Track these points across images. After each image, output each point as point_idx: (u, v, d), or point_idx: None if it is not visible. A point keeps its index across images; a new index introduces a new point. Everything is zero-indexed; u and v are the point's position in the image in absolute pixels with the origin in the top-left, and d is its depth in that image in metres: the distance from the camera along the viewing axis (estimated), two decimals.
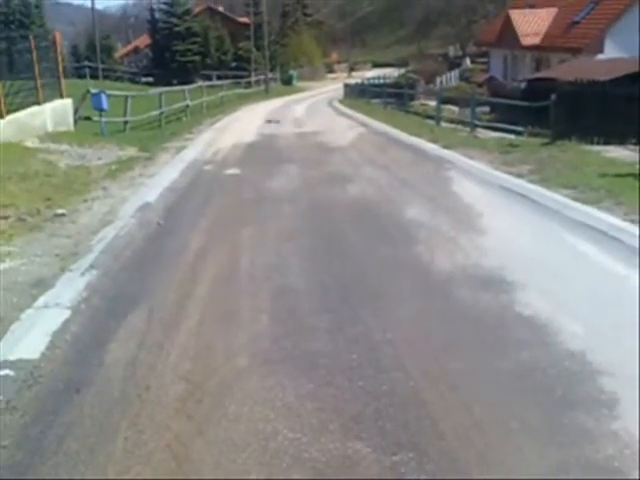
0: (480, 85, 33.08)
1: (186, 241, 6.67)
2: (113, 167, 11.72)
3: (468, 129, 17.65)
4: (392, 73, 54.29)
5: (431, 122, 21.38)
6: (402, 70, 54.95)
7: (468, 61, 51.69)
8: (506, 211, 7.64)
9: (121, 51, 68.60)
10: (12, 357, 3.99)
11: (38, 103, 14.82)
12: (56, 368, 3.92)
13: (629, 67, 18.84)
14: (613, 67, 19.71)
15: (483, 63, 44.77)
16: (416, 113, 25.26)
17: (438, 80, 44.95)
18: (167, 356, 4.01)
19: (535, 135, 14.96)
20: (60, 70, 16.69)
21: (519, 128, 15.80)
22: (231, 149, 14.77)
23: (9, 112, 12.87)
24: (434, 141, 14.33)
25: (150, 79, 51.69)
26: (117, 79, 49.59)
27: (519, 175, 9.72)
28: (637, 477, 2.75)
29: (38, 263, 5.82)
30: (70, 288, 5.15)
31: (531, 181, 9.21)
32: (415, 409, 3.33)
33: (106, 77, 48.28)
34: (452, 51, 63.15)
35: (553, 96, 13.08)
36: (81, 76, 47.06)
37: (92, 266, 5.67)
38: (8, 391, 3.62)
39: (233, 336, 4.27)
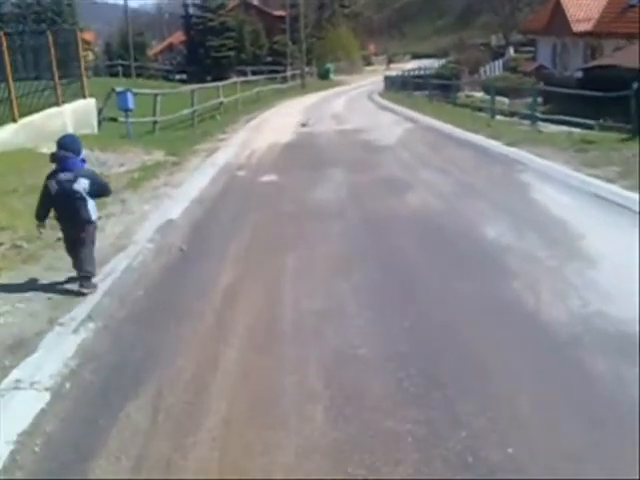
0: (528, 75, 31.18)
1: (213, 275, 5.31)
2: (136, 175, 10.45)
3: (527, 122, 16.01)
4: (432, 64, 52.30)
5: (483, 115, 19.76)
6: (442, 61, 53.01)
7: (512, 50, 49.58)
8: (613, 229, 6.09)
9: (155, 48, 68.00)
10: None
11: (57, 104, 13.72)
12: None
13: None
14: None
15: (528, 52, 42.75)
16: (465, 105, 23.58)
17: (482, 70, 43.05)
18: None
19: (606, 129, 13.26)
20: (82, 68, 15.58)
21: (587, 121, 14.09)
22: (267, 151, 13.41)
23: (23, 115, 11.73)
24: (495, 137, 12.75)
25: (184, 76, 50.83)
26: (150, 77, 48.81)
27: (608, 179, 8.12)
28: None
29: (23, 312, 4.52)
30: (56, 354, 3.83)
31: (626, 187, 7.62)
32: None
33: (139, 75, 47.60)
34: (494, 40, 60.92)
35: (635, 84, 11.36)
36: (113, 74, 46.46)
37: (90, 316, 4.34)
38: None
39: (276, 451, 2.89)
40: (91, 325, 4.20)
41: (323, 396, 3.25)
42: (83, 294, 4.78)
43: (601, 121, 13.44)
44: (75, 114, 14.50)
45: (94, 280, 4.95)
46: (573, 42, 32.19)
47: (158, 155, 13.01)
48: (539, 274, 4.85)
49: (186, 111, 20.53)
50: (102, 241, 6.34)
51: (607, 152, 10.12)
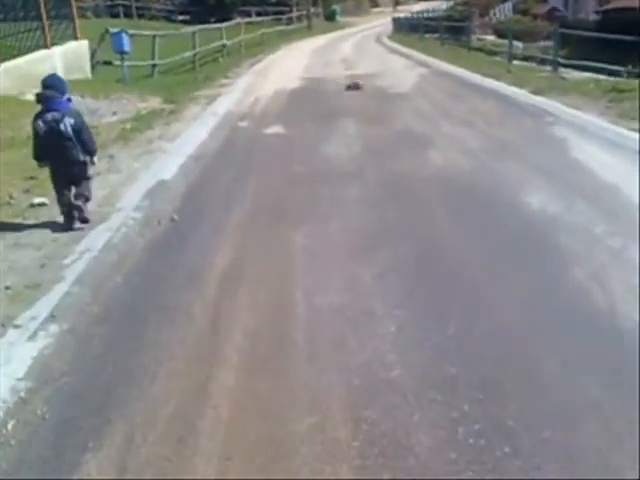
0: (540, 17, 29.62)
1: (208, 257, 4.47)
2: (128, 125, 9.51)
3: (548, 68, 14.85)
4: (440, 6, 50.14)
5: (499, 59, 18.54)
6: (450, 3, 50.86)
7: None
8: None
9: None
10: None
11: (45, 46, 12.66)
12: None
13: None
14: None
15: None
16: (479, 49, 22.23)
17: (492, 13, 41.21)
18: None
19: (636, 76, 12.14)
20: (73, 7, 14.41)
21: (614, 67, 12.92)
22: (272, 98, 12.39)
23: (7, 58, 10.72)
24: (517, 84, 11.71)
25: (187, 17, 48.85)
26: (152, 18, 46.85)
27: None
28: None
29: None
30: (2, 373, 3.02)
31: None
32: None
33: (141, 16, 45.72)
34: None
35: None
36: (114, 15, 44.71)
37: (53, 315, 3.53)
38: None
39: None
40: (53, 328, 3.38)
41: (350, 452, 2.42)
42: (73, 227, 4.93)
43: (630, 67, 12.30)
44: (65, 57, 13.44)
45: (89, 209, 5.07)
46: None
47: (154, 102, 12.02)
48: (603, 258, 4.01)
49: (187, 54, 19.32)
50: None
51: None
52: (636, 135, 7.14)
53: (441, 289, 3.73)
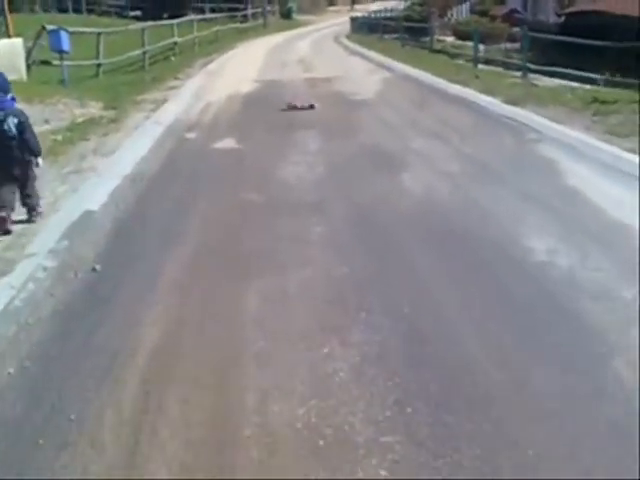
0: (498, 19, 29.17)
1: (130, 333, 3.43)
2: (59, 137, 8.37)
3: (516, 73, 14.13)
4: (397, 6, 49.57)
5: (462, 63, 17.82)
6: (407, 2, 50.41)
7: None
8: None
9: None
10: None
11: None
12: None
13: None
14: None
15: None
16: (440, 51, 21.48)
17: (449, 13, 40.83)
18: None
19: (612, 84, 11.50)
20: (4, 2, 13.10)
21: (590, 75, 12.27)
22: (225, 103, 11.35)
23: None
24: (489, 92, 10.94)
25: (138, 13, 47.13)
26: (103, 13, 45.03)
27: None
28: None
29: None
30: None
31: None
32: None
33: (91, 11, 44.02)
34: None
35: None
36: (63, 10, 42.87)
37: None
38: None
39: None
40: None
41: None
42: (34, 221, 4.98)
43: (608, 75, 11.66)
44: None
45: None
46: None
47: (94, 108, 10.88)
48: None
49: (136, 52, 18.05)
50: None
51: (631, 116, 8.40)
52: (637, 158, 6.38)
53: (443, 391, 2.79)
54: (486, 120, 8.89)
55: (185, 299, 3.81)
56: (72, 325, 3.55)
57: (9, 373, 3.11)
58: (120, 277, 4.15)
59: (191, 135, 8.70)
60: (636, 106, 9.02)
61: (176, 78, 15.16)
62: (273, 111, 10.21)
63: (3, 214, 4.80)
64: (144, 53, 18.27)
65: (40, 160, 5.17)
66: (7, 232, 4.79)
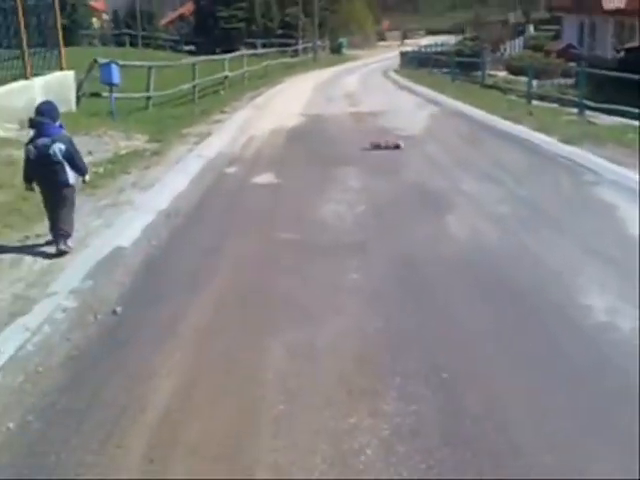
0: (554, 54, 28.66)
1: (150, 377, 3.17)
2: (101, 169, 8.30)
3: (572, 110, 13.65)
4: (448, 41, 49.63)
5: (515, 98, 17.40)
6: (459, 37, 50.30)
7: (532, 28, 46.95)
8: None
9: (167, 18, 65.27)
10: None
11: (24, 77, 11.54)
12: None
13: None
14: None
15: (547, 30, 40.31)
16: (492, 86, 21.10)
17: (502, 48, 40.50)
18: None
19: None
20: (59, 34, 13.34)
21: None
22: (269, 137, 11.21)
23: None
24: (544, 130, 10.50)
25: (192, 47, 48.30)
26: (158, 47, 46.42)
27: None
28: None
29: None
30: None
31: None
32: None
33: (146, 45, 45.49)
34: (513, 17, 58.13)
35: None
36: (120, 44, 44.33)
37: None
38: None
39: None
40: None
41: None
42: (64, 252, 4.95)
43: None
44: (47, 88, 12.24)
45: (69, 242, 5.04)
46: (603, 20, 29.44)
47: (139, 140, 10.86)
48: None
49: (186, 86, 18.23)
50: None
51: None
52: None
53: (485, 478, 2.40)
54: (540, 159, 8.47)
55: (205, 349, 3.52)
56: (84, 374, 3.30)
57: (8, 428, 2.85)
58: (141, 321, 3.89)
59: (231, 169, 8.52)
60: None
61: (222, 111, 15.17)
62: (316, 146, 9.99)
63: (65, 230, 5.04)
64: (194, 87, 18.42)
65: (87, 177, 5.52)
66: (63, 253, 4.95)
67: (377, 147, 9.49)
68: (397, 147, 9.40)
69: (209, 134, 11.41)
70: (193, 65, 19.11)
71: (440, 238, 5.34)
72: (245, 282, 4.53)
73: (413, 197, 6.73)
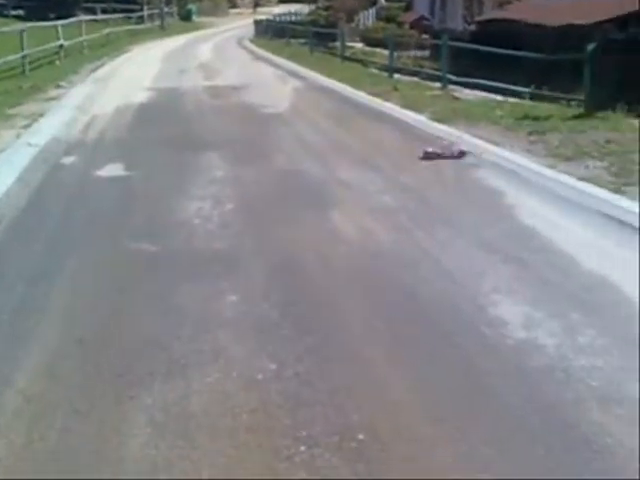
0: (406, 25, 28.86)
1: None
2: None
3: (435, 84, 13.34)
4: (302, 10, 48.96)
5: (376, 72, 16.99)
6: (312, 7, 49.78)
7: None
8: None
9: None
10: None
11: None
12: None
13: (622, 6, 15.10)
14: (596, 7, 15.89)
15: (399, 1, 40.80)
16: (351, 58, 20.59)
17: (356, 19, 40.48)
18: None
19: (537, 98, 10.87)
20: None
21: (513, 87, 11.60)
22: (114, 117, 9.94)
23: None
24: (412, 107, 10.05)
25: (20, 12, 43.84)
26: None
27: (615, 188, 5.55)
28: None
29: None
30: None
31: None
32: None
33: None
34: None
35: (591, 46, 8.98)
36: None
37: None
38: None
39: None
40: None
41: None
42: None
43: (533, 88, 11.03)
44: None
45: None
46: None
47: None
48: None
49: (12, 57, 16.07)
50: None
51: (570, 135, 7.73)
52: (587, 186, 5.61)
53: None
54: (414, 140, 7.94)
55: (36, 428, 2.54)
56: None
57: None
58: None
59: (70, 159, 7.26)
60: (567, 123, 8.41)
61: (58, 86, 13.44)
62: (169, 128, 8.90)
63: None
64: (24, 57, 16.30)
65: None
66: None
67: (436, 157, 6.79)
68: (462, 155, 6.85)
69: (41, 114, 9.89)
70: (22, 33, 16.92)
71: (326, 241, 4.60)
72: (86, 324, 3.51)
73: (289, 189, 5.94)
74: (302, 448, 2.38)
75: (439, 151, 6.93)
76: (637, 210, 4.92)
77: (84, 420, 2.63)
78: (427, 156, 6.83)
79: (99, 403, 2.74)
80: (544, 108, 9.47)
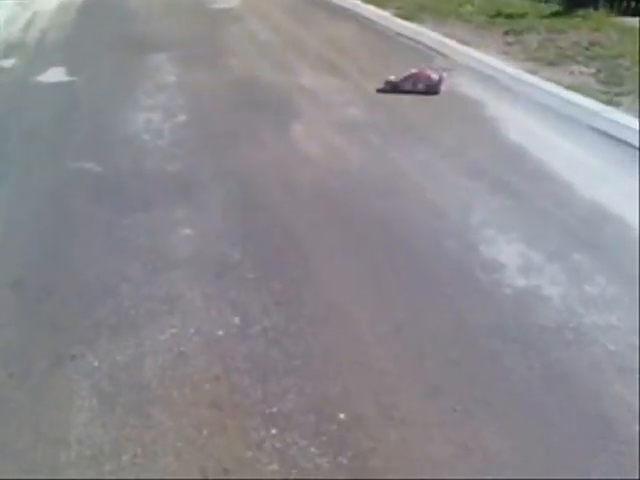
0: None
1: None
2: None
3: None
4: None
5: None
6: None
7: None
8: None
9: None
10: None
11: None
12: None
13: None
14: None
15: None
16: None
17: None
18: None
19: None
20: None
21: None
22: (57, 14, 9.02)
23: None
24: (375, 2, 9.30)
25: None
26: None
27: (607, 100, 5.16)
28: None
29: None
30: None
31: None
32: None
33: None
34: None
35: None
36: None
37: None
38: None
39: None
40: None
41: None
42: None
43: None
44: None
45: None
46: None
47: None
48: None
49: None
50: None
51: (549, 36, 7.22)
52: (575, 96, 5.21)
53: None
54: (383, 42, 7.34)
55: None
56: None
57: None
58: None
59: (9, 62, 6.53)
60: (550, 21, 7.87)
61: None
62: (116, 27, 8.09)
63: None
64: None
65: None
66: None
67: (398, 89, 5.42)
68: (436, 87, 5.41)
69: None
70: None
71: (289, 160, 4.16)
72: (21, 263, 3.08)
73: (245, 98, 5.39)
74: (273, 431, 2.06)
75: (408, 84, 5.42)
76: (634, 125, 4.57)
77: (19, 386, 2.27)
78: (390, 87, 5.44)
79: (36, 365, 2.38)
80: (518, 5, 8.86)
